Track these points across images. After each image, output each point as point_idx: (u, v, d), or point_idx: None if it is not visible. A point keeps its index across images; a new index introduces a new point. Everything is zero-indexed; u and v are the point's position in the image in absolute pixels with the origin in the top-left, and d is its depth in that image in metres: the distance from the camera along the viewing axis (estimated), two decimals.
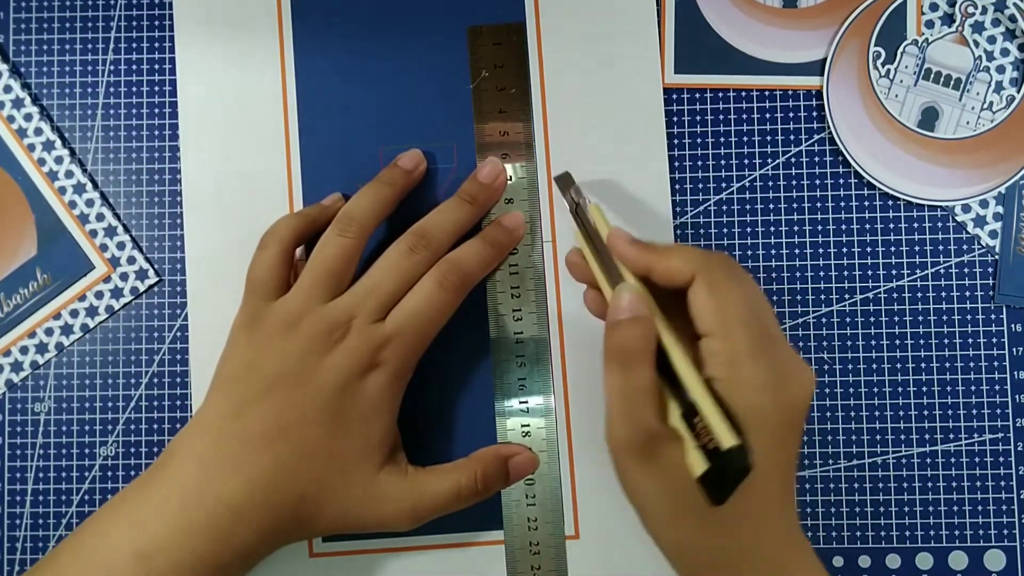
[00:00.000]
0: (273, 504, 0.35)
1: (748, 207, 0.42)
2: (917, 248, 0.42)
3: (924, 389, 0.42)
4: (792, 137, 0.42)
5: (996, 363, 0.42)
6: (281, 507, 0.35)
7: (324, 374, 0.36)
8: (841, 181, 0.42)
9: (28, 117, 0.43)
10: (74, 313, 0.42)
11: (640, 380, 0.33)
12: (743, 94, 0.43)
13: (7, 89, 0.43)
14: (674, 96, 0.43)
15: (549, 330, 0.42)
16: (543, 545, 0.41)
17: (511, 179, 0.41)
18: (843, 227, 0.42)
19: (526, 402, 0.41)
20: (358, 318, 0.36)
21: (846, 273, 0.42)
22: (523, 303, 0.41)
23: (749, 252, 0.42)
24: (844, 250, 0.42)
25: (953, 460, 0.41)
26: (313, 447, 0.35)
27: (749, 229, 0.42)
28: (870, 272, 0.42)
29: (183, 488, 0.35)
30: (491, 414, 0.41)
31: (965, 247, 0.42)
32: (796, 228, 0.42)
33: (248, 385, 0.36)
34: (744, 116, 0.42)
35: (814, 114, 0.42)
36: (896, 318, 0.42)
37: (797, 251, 0.42)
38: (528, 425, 0.41)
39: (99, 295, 0.42)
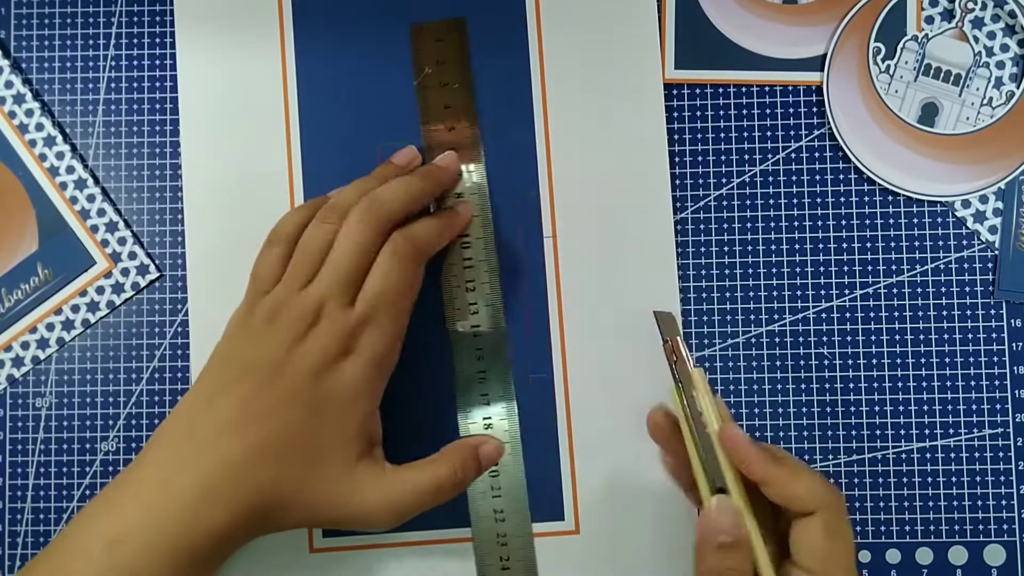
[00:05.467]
0: (244, 489, 0.35)
1: (748, 202, 0.42)
2: (917, 244, 0.42)
3: (924, 384, 0.42)
4: (792, 133, 0.42)
5: (996, 358, 0.42)
6: (253, 492, 0.35)
7: (297, 360, 0.36)
8: (841, 177, 0.42)
9: (29, 113, 0.43)
10: (75, 308, 0.42)
11: None
12: (743, 90, 0.43)
13: (8, 85, 0.43)
14: (674, 91, 0.43)
15: (548, 326, 0.42)
16: (510, 536, 0.41)
17: (461, 174, 0.42)
18: (843, 222, 0.42)
19: (486, 395, 0.41)
20: (328, 303, 0.36)
21: (846, 269, 0.42)
22: (479, 296, 0.41)
23: (749, 247, 0.42)
24: (844, 245, 0.42)
25: (953, 455, 0.41)
26: (286, 434, 0.35)
27: (749, 224, 0.42)
28: (870, 268, 0.42)
29: (156, 474, 0.35)
30: (453, 409, 0.41)
31: (965, 242, 0.42)
32: (796, 223, 0.42)
33: (224, 373, 0.36)
34: (744, 112, 0.43)
35: (814, 110, 0.43)
36: (896, 314, 0.42)
37: (797, 246, 0.42)
38: (490, 417, 0.41)
39: (100, 290, 0.42)
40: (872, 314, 0.42)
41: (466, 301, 0.41)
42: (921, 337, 0.42)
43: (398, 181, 0.39)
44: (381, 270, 0.37)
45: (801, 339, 0.42)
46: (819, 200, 0.42)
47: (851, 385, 0.42)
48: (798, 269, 0.42)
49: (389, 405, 0.41)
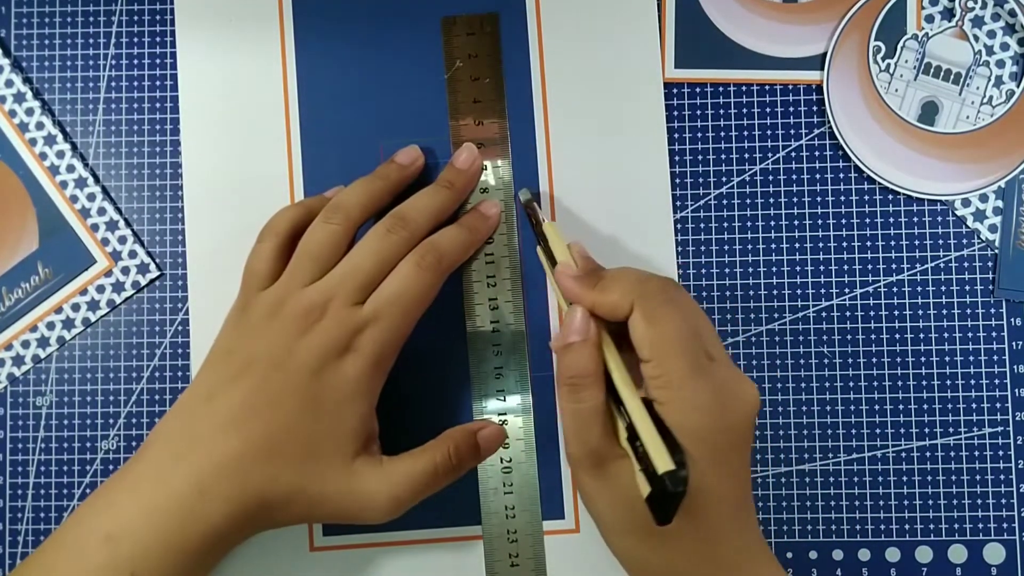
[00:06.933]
0: (242, 485, 0.35)
1: (748, 201, 0.42)
2: (917, 242, 0.42)
3: (924, 383, 0.42)
4: (792, 131, 0.42)
5: (996, 357, 0.42)
6: (250, 489, 0.35)
7: (298, 356, 0.36)
8: (841, 175, 0.42)
9: (30, 112, 0.43)
10: (75, 307, 0.42)
11: (588, 403, 0.34)
12: (743, 89, 0.43)
13: (9, 83, 0.43)
14: (674, 91, 0.43)
15: (548, 326, 0.42)
16: (520, 533, 0.41)
17: (486, 168, 0.42)
18: (843, 221, 0.42)
19: (502, 391, 0.41)
20: (336, 300, 0.36)
21: (846, 267, 0.42)
22: (499, 292, 0.41)
23: (749, 246, 0.42)
24: (844, 244, 0.42)
25: (953, 454, 0.41)
26: (284, 430, 0.35)
27: (749, 223, 0.42)
28: (870, 266, 0.42)
29: (154, 471, 0.35)
30: (469, 405, 0.41)
31: (965, 241, 0.42)
32: (796, 222, 0.42)
33: (223, 369, 0.36)
34: (744, 111, 0.43)
35: (814, 108, 0.43)
36: (896, 312, 0.42)
37: (797, 245, 0.42)
38: (505, 413, 0.41)
39: (100, 289, 0.42)
40: (872, 313, 0.42)
41: (486, 297, 0.41)
42: (921, 336, 0.42)
43: (424, 194, 0.39)
44: (401, 275, 0.37)
45: (801, 338, 0.42)
46: (819, 199, 0.42)
47: (851, 384, 0.42)
48: (798, 268, 0.42)
49: (404, 400, 0.41)
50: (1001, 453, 0.41)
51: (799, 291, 0.42)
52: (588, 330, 0.35)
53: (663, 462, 0.31)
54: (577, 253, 0.38)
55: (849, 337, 0.42)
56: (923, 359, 0.42)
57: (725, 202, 0.42)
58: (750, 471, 0.35)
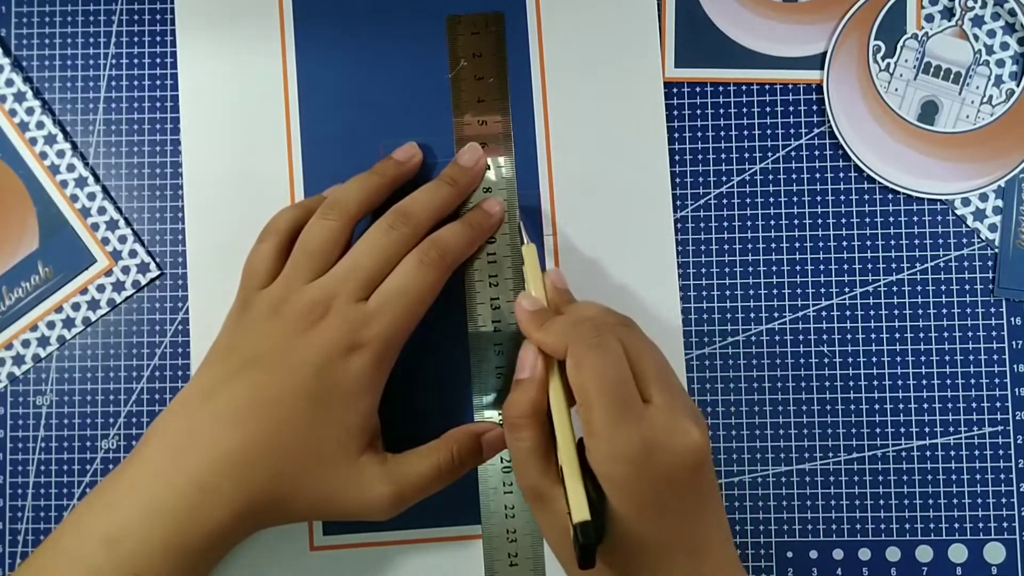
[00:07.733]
0: (244, 482, 0.35)
1: (748, 201, 0.42)
2: (917, 242, 0.42)
3: (924, 382, 0.42)
4: (792, 131, 0.43)
5: (996, 356, 0.42)
6: (253, 486, 0.35)
7: (302, 353, 0.36)
8: (841, 175, 0.42)
9: (30, 111, 0.43)
10: (76, 306, 0.42)
11: (525, 443, 0.35)
12: (743, 88, 0.43)
13: (9, 83, 0.43)
14: (674, 90, 0.43)
15: None
16: (520, 533, 0.41)
17: (489, 167, 0.42)
18: (843, 221, 0.42)
19: (503, 391, 0.41)
20: (339, 297, 0.36)
21: (846, 267, 0.42)
22: (501, 292, 0.41)
23: (749, 246, 0.42)
24: (844, 244, 0.42)
25: (953, 453, 0.42)
26: (288, 427, 0.35)
27: (749, 223, 0.42)
28: (870, 266, 0.42)
29: (152, 470, 0.35)
30: (470, 405, 0.41)
31: (965, 240, 0.42)
32: (796, 222, 0.42)
33: (224, 366, 0.36)
34: (744, 110, 0.43)
35: (814, 108, 0.43)
36: (896, 312, 0.42)
37: (797, 245, 0.42)
38: None
39: (101, 288, 0.42)
40: (872, 312, 0.42)
41: (488, 296, 0.41)
42: (921, 335, 0.42)
43: (426, 189, 0.39)
44: (404, 272, 0.37)
45: (801, 337, 0.42)
46: (819, 198, 0.42)
47: (851, 383, 0.42)
48: (798, 267, 0.42)
49: (405, 399, 0.41)
50: (1001, 452, 0.41)
51: (799, 290, 0.42)
52: (535, 368, 0.35)
53: (578, 512, 0.31)
54: (551, 283, 0.38)
55: (849, 336, 0.42)
56: (923, 359, 0.42)
57: (725, 202, 0.42)
58: (711, 511, 0.34)
